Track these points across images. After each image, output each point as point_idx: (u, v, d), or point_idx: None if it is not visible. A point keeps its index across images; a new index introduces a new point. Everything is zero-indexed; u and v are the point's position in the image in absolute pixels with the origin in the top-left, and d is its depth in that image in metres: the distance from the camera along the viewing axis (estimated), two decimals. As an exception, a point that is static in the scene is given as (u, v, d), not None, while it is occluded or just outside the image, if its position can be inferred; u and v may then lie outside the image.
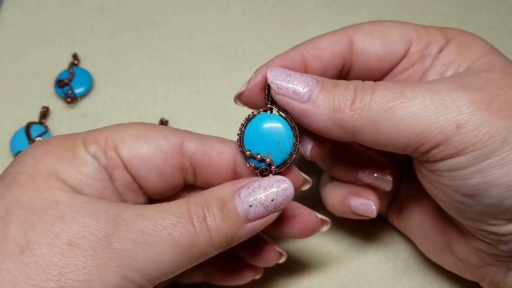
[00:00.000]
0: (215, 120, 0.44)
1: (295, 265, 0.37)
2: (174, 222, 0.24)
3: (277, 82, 0.27)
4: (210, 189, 0.27)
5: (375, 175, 0.32)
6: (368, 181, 0.32)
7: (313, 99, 0.26)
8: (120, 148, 0.27)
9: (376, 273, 0.36)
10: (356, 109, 0.26)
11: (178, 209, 0.25)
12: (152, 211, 0.25)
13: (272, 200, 0.26)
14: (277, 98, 0.27)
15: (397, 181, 0.36)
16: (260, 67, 0.29)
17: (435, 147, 0.25)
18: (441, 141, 0.25)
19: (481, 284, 0.32)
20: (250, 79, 0.29)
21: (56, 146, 0.26)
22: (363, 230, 0.38)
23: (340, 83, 0.27)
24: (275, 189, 0.26)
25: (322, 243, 0.38)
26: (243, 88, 0.29)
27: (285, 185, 0.26)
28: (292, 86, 0.27)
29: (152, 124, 0.29)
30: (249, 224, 0.26)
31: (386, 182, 0.32)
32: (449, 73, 0.29)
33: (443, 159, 0.26)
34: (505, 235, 0.27)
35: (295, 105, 0.27)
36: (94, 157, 0.26)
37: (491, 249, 0.29)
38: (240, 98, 0.29)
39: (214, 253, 0.26)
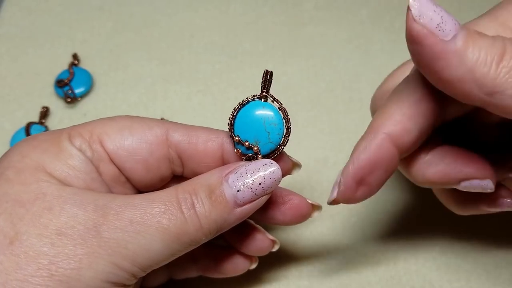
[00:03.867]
0: (215, 120, 0.44)
1: (295, 265, 0.37)
2: (163, 209, 0.25)
3: (421, 8, 0.22)
4: (198, 176, 0.27)
5: (476, 182, 0.27)
6: (469, 190, 0.28)
7: (457, 42, 0.22)
8: (105, 140, 0.27)
9: (376, 273, 0.36)
10: (504, 66, 0.22)
11: (167, 197, 0.25)
12: (141, 200, 0.25)
13: (259, 183, 0.26)
14: (415, 27, 0.22)
15: None
16: (346, 167, 0.26)
17: None
18: None
19: None
20: (339, 183, 0.27)
21: (42, 141, 0.27)
22: (363, 230, 0.38)
23: (485, 35, 0.23)
24: (262, 173, 0.26)
25: (322, 242, 0.38)
26: (335, 194, 0.27)
27: (272, 168, 0.26)
28: (438, 18, 0.22)
29: (137, 116, 0.29)
30: (239, 209, 0.26)
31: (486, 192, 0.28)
32: None
33: None
34: None
35: (436, 42, 0.22)
36: (80, 150, 0.27)
37: None
38: (334, 203, 0.28)
39: (205, 240, 0.26)
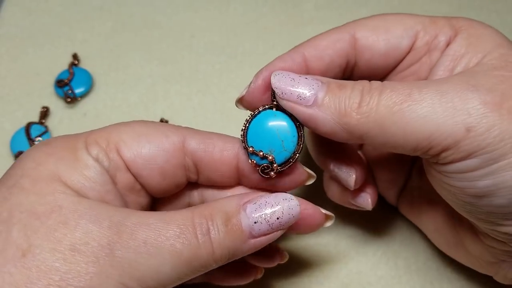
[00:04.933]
0: (215, 120, 0.44)
1: (295, 265, 0.37)
2: (178, 233, 0.24)
3: (281, 87, 0.27)
4: (215, 201, 0.27)
5: (343, 170, 0.31)
6: (335, 175, 0.32)
7: (319, 103, 0.26)
8: (122, 148, 0.27)
9: (376, 273, 0.36)
10: (362, 112, 0.25)
11: (182, 220, 0.25)
12: (156, 220, 0.24)
13: (277, 218, 0.26)
14: (282, 103, 0.27)
15: (406, 173, 0.36)
16: (260, 70, 0.29)
17: (444, 150, 0.25)
18: (450, 144, 0.24)
19: (495, 278, 0.32)
20: (251, 82, 0.29)
21: (58, 149, 0.26)
22: (364, 230, 0.38)
23: (346, 84, 0.27)
24: (281, 207, 0.26)
25: (322, 243, 0.38)
26: (244, 92, 0.29)
27: (292, 203, 0.26)
28: (297, 90, 0.26)
29: (153, 122, 0.29)
30: (253, 240, 0.26)
31: (349, 180, 0.31)
32: (459, 69, 0.28)
33: (452, 162, 0.25)
34: None
35: (301, 110, 0.26)
36: (96, 160, 0.26)
37: (504, 246, 0.28)
38: (241, 102, 0.30)
39: (214, 266, 0.26)
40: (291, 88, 0.27)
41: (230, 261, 0.26)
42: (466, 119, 0.24)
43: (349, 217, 0.38)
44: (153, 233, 0.24)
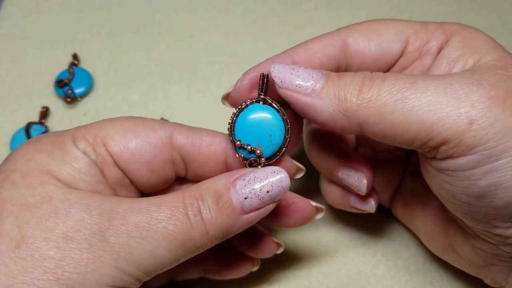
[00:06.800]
0: (215, 120, 0.44)
1: (295, 265, 0.37)
2: (169, 215, 0.24)
3: (281, 76, 0.27)
4: (205, 181, 0.27)
5: (353, 176, 0.31)
6: (344, 182, 0.32)
7: (318, 91, 0.26)
8: (109, 143, 0.27)
9: (376, 273, 0.36)
10: (363, 98, 0.25)
11: (173, 202, 0.25)
12: (147, 204, 0.25)
13: (267, 191, 0.26)
14: (281, 92, 0.27)
15: (400, 176, 0.36)
16: (248, 69, 0.29)
17: (444, 142, 0.24)
18: (451, 136, 0.24)
19: (485, 281, 0.32)
20: (238, 81, 0.29)
21: (47, 144, 0.26)
22: (364, 230, 0.38)
23: (346, 73, 0.27)
24: (270, 180, 0.26)
25: (322, 242, 0.38)
26: (230, 89, 0.29)
27: (281, 175, 0.26)
28: (296, 79, 0.26)
29: (141, 118, 0.29)
30: (245, 216, 0.26)
31: (361, 186, 0.31)
32: (456, 70, 0.28)
33: (452, 156, 0.25)
34: (509, 238, 0.27)
35: (300, 98, 0.26)
36: (84, 153, 0.27)
37: (494, 249, 0.28)
38: (227, 98, 0.30)
39: (210, 245, 0.26)
40: (291, 77, 0.27)
41: (225, 239, 0.26)
42: (470, 111, 0.24)
43: (349, 217, 0.38)
44: (144, 217, 0.24)
